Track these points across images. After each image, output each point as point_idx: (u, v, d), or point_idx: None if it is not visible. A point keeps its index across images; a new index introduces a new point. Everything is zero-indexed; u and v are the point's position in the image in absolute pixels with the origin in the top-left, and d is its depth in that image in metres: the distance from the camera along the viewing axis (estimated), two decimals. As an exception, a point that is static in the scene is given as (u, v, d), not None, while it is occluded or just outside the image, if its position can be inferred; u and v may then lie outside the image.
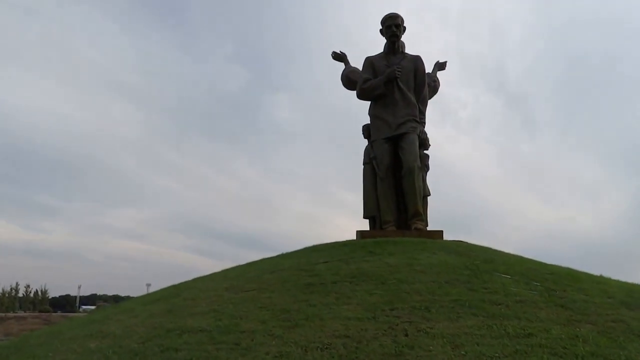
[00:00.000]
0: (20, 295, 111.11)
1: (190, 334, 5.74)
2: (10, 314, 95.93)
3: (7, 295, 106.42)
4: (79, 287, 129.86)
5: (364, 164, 11.88)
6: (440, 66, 13.42)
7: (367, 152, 11.78)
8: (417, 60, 11.51)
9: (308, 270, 8.08)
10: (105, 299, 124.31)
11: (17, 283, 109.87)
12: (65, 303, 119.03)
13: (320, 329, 5.44)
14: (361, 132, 12.26)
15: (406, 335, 5.11)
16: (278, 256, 10.64)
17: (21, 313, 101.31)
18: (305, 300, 6.60)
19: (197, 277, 10.50)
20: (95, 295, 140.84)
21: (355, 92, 12.46)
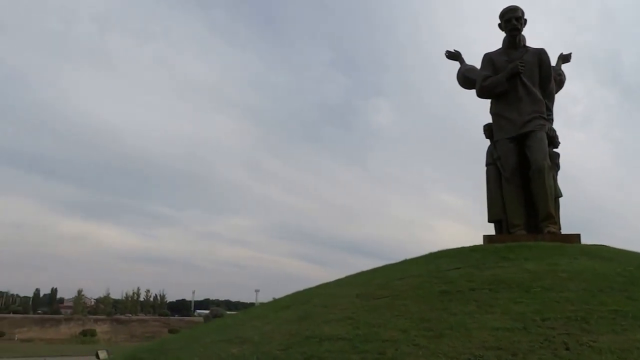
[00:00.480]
0: (141, 299, 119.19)
1: (330, 342, 5.68)
2: (134, 317, 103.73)
3: (130, 299, 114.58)
4: (194, 292, 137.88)
5: (486, 165, 11.32)
6: (565, 58, 12.53)
7: (490, 152, 11.22)
8: (541, 53, 10.82)
9: (440, 277, 7.78)
10: (217, 303, 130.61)
11: (138, 288, 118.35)
12: (181, 307, 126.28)
13: (468, 340, 5.16)
14: (482, 132, 11.71)
15: (567, 349, 4.70)
16: (402, 262, 10.42)
17: (143, 316, 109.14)
18: (444, 308, 6.32)
19: (322, 283, 10.56)
20: (208, 299, 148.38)
21: (473, 90, 12.01)
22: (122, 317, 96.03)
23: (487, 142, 11.63)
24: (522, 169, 10.59)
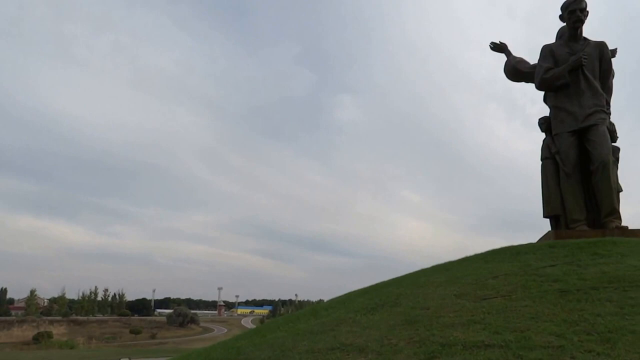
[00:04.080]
0: (99, 299, 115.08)
1: (481, 350, 5.18)
2: (92, 318, 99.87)
3: (87, 299, 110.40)
4: (154, 291, 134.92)
5: (543, 159, 11.03)
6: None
7: (547, 146, 10.93)
8: (602, 46, 10.61)
9: (541, 275, 7.40)
10: (179, 302, 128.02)
11: (95, 287, 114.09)
12: (141, 306, 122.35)
13: (648, 344, 4.74)
14: (537, 125, 11.41)
15: None
16: (464, 260, 10.08)
17: (101, 317, 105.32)
18: (580, 309, 5.92)
19: (384, 280, 10.08)
20: (169, 298, 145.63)
21: (520, 82, 11.86)
22: (80, 317, 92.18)
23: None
24: (581, 163, 10.37)
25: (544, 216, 10.98)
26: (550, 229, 10.90)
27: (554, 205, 10.67)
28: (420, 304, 7.33)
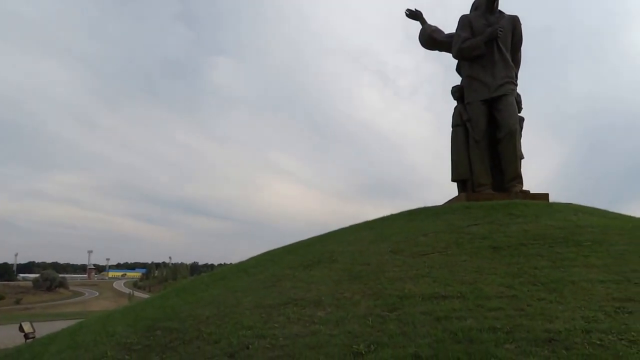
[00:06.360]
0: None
1: (442, 300, 5.38)
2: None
3: None
4: (16, 255, 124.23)
5: (454, 127, 11.58)
6: None
7: (459, 113, 11.47)
8: (515, 20, 11.27)
9: (468, 233, 7.83)
10: (44, 266, 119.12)
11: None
12: (3, 271, 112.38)
13: (590, 293, 5.20)
14: (450, 93, 11.92)
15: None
16: (382, 219, 10.38)
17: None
18: (517, 263, 6.36)
19: (309, 238, 10.10)
20: (33, 262, 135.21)
21: (434, 50, 12.29)
22: None
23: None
24: (489, 131, 11.04)
25: (452, 180, 11.63)
26: (457, 192, 11.57)
27: (463, 170, 11.31)
28: (359, 260, 7.43)
